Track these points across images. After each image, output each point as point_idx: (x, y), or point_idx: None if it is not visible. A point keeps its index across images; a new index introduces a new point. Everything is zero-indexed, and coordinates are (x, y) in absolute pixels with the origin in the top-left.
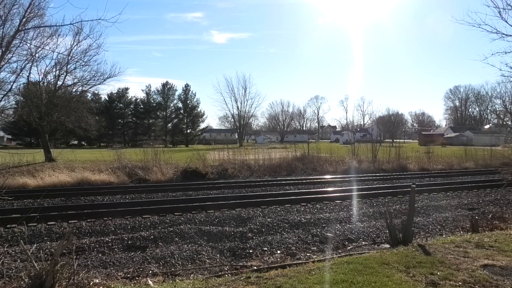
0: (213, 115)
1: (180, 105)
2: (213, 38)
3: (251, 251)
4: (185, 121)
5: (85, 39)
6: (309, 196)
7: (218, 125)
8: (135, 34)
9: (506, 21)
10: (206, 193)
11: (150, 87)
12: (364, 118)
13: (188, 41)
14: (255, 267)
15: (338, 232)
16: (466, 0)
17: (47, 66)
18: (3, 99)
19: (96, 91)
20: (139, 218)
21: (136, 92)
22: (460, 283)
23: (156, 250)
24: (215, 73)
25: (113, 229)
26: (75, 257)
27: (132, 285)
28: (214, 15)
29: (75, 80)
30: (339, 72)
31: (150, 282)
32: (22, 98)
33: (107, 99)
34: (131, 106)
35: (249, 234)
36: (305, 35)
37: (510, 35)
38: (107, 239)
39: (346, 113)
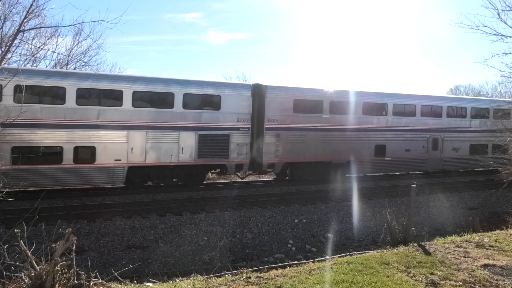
0: None
1: None
2: (212, 38)
3: (251, 251)
4: None
5: (85, 40)
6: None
7: None
8: (133, 35)
9: (505, 23)
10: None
11: None
12: None
13: (187, 42)
14: (255, 267)
15: (338, 232)
16: (464, 2)
17: (47, 66)
18: None
19: None
20: (138, 218)
21: None
22: (461, 283)
23: (157, 250)
24: (215, 73)
25: (113, 229)
26: (75, 257)
27: (133, 285)
28: (212, 15)
29: None
30: (339, 71)
31: (150, 283)
32: None
33: None
34: None
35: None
36: (304, 35)
37: (510, 37)
38: (107, 239)
39: None
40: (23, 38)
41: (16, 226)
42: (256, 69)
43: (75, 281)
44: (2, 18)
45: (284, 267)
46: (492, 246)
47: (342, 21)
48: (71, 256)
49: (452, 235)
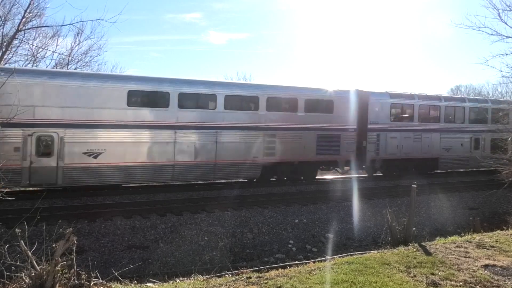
0: None
1: None
2: (212, 38)
3: (251, 251)
4: None
5: (85, 40)
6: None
7: None
8: (133, 35)
9: (505, 23)
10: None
11: None
12: None
13: (187, 42)
14: (256, 267)
15: (339, 232)
16: (465, 2)
17: (47, 67)
18: None
19: None
20: (138, 218)
21: None
22: (461, 283)
23: (157, 250)
24: (215, 74)
25: (113, 229)
26: (75, 257)
27: (133, 285)
28: (212, 15)
29: None
30: (339, 71)
31: (150, 283)
32: None
33: None
34: None
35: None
36: (304, 35)
37: (510, 37)
38: (107, 239)
39: None
40: (24, 38)
41: (17, 226)
42: (256, 69)
43: (76, 281)
44: (2, 18)
45: (284, 267)
46: (492, 247)
47: (342, 20)
48: (72, 256)
49: (452, 235)
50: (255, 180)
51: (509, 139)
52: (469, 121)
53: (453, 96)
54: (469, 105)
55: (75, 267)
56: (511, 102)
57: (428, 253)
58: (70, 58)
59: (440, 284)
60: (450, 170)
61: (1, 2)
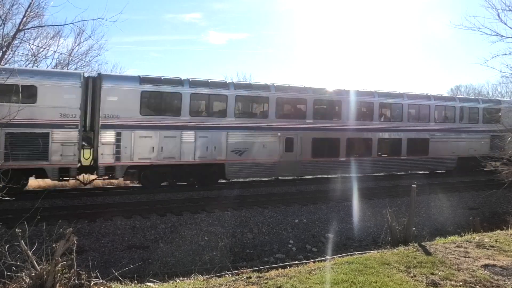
0: None
1: None
2: (212, 38)
3: (251, 251)
4: None
5: (86, 40)
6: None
7: None
8: (133, 35)
9: (505, 23)
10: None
11: None
12: None
13: (187, 42)
14: (256, 267)
15: (339, 232)
16: (465, 2)
17: (48, 66)
18: None
19: None
20: (138, 218)
21: None
22: (461, 283)
23: (157, 250)
24: (215, 73)
25: (113, 229)
26: (75, 257)
27: (133, 285)
28: (212, 15)
29: None
30: (339, 71)
31: (151, 283)
32: None
33: None
34: None
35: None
36: (304, 35)
37: (509, 37)
38: (107, 239)
39: None
40: (24, 38)
41: (17, 226)
42: (256, 69)
43: (76, 281)
44: (2, 17)
45: (284, 267)
46: (492, 246)
47: (342, 20)
48: (72, 256)
49: (452, 235)
50: None
51: (509, 139)
52: (276, 116)
53: (248, 83)
54: (276, 95)
55: (75, 267)
56: (347, 92)
57: (428, 253)
58: (70, 58)
59: (440, 284)
60: (250, 179)
61: (1, 1)
